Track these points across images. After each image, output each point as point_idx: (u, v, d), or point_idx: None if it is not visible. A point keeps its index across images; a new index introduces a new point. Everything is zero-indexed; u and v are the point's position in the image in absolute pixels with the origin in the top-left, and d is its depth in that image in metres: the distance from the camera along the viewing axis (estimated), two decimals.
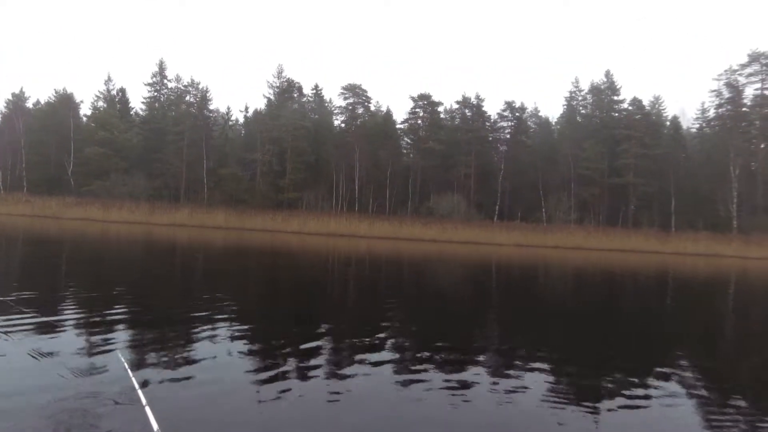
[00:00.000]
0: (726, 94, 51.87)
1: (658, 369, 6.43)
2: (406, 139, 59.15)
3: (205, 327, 6.97)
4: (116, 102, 57.56)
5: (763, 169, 48.68)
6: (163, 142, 52.28)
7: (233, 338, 6.50)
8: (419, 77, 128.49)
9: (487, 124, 56.97)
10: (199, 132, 52.57)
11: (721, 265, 31.07)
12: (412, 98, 55.83)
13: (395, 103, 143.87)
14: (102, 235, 27.71)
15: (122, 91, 58.82)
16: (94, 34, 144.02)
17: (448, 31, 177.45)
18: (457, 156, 52.79)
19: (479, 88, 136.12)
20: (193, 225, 38.77)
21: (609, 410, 4.73)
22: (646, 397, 5.18)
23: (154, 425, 3.00)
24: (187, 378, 4.75)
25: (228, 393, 4.47)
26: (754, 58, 50.75)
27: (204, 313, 7.89)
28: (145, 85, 57.40)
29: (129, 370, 4.36)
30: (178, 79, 56.84)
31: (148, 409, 3.23)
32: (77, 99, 57.46)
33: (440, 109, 57.60)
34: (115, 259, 17.31)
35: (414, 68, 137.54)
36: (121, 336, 6.20)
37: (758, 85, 50.97)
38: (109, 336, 6.13)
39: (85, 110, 58.29)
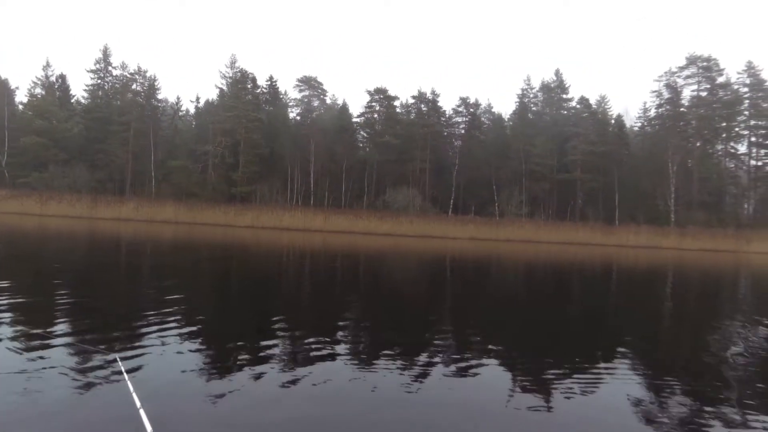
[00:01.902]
0: (665, 94, 54.85)
1: (605, 351, 6.79)
2: (362, 132, 58.95)
3: (153, 325, 6.67)
4: (56, 89, 54.23)
5: (698, 167, 51.72)
6: (107, 132, 49.81)
7: (183, 334, 6.24)
8: (376, 71, 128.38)
9: (443, 119, 57.70)
10: (147, 122, 50.42)
11: (660, 256, 32.88)
12: (369, 92, 55.76)
13: (351, 96, 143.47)
14: (39, 230, 26.12)
15: (62, 77, 55.53)
16: (31, 16, 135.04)
17: (404, 25, 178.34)
18: (413, 150, 53.15)
19: (435, 83, 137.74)
20: (140, 219, 37.31)
21: (559, 392, 4.87)
22: (596, 377, 5.42)
23: (149, 428, 3.00)
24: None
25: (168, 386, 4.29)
26: (692, 61, 53.80)
27: (153, 311, 7.55)
28: (88, 72, 54.34)
29: (125, 374, 4.17)
30: (123, 67, 54.26)
31: (142, 412, 3.19)
32: (12, 85, 54.45)
33: (396, 103, 57.76)
34: (52, 255, 16.31)
35: (370, 62, 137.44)
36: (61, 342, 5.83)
37: (695, 87, 54.26)
38: (47, 352, 5.74)
39: (21, 97, 54.90)
